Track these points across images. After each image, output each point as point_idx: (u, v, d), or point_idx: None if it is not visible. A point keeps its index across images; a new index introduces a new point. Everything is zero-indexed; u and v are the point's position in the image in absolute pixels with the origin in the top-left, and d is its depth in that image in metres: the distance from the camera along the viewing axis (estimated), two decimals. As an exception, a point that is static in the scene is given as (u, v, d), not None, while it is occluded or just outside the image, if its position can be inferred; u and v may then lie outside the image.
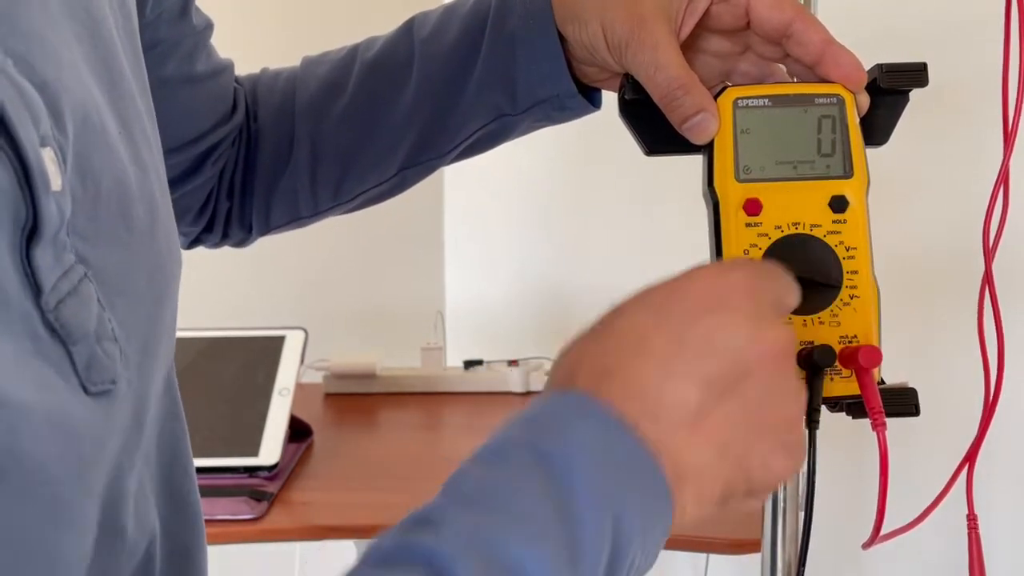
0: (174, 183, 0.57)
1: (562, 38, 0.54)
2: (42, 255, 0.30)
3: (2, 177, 0.29)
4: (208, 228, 0.66)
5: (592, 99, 0.57)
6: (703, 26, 0.50)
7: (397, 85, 0.59)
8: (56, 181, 0.31)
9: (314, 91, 0.62)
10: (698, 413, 0.36)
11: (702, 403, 0.36)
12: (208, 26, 0.60)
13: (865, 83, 0.47)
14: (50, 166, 0.30)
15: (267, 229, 0.66)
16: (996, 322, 0.50)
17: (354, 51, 0.62)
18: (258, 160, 0.64)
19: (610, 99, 0.54)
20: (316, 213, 0.65)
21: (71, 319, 0.32)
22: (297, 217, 0.65)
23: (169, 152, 0.49)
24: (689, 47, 0.49)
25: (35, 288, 0.30)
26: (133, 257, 0.36)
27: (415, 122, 0.59)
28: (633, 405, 0.36)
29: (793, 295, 0.41)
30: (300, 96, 0.62)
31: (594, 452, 0.34)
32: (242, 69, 0.66)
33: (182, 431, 0.44)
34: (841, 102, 0.46)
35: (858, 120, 0.46)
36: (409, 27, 0.60)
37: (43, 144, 0.30)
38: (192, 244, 0.66)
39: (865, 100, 0.47)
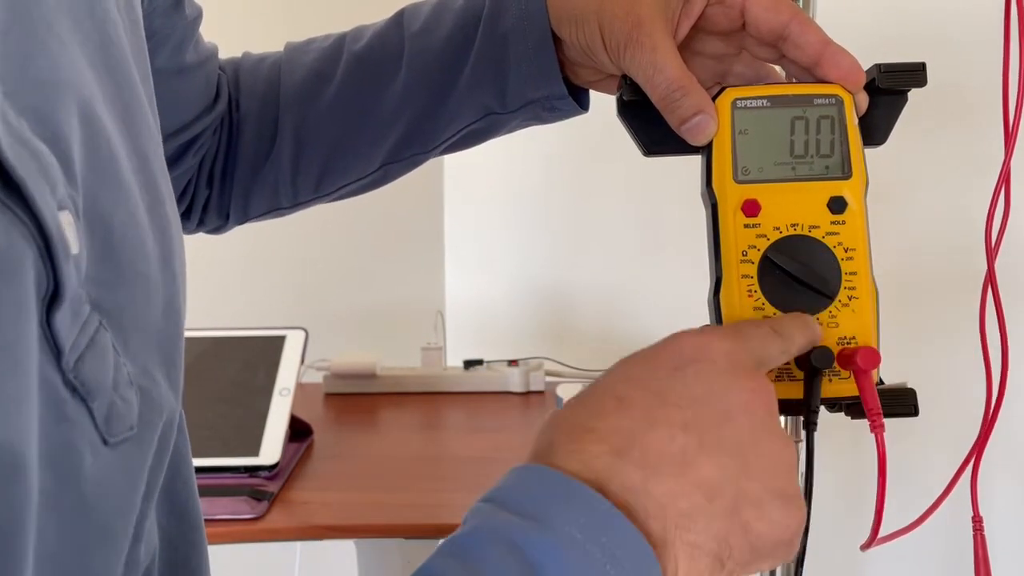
0: None
1: (556, 39, 0.53)
2: (61, 317, 0.29)
3: (25, 251, 0.27)
4: (184, 216, 0.64)
5: (581, 101, 0.57)
6: (698, 27, 0.50)
7: (385, 79, 0.58)
8: (75, 244, 0.29)
9: (299, 81, 0.61)
10: (682, 458, 0.36)
11: (685, 448, 0.36)
12: (199, 15, 0.59)
13: (864, 84, 0.46)
14: (68, 230, 0.29)
15: (245, 218, 0.65)
16: (999, 322, 0.50)
17: (341, 41, 0.61)
18: (239, 149, 0.63)
19: (608, 99, 0.53)
20: (296, 204, 0.64)
21: (90, 375, 0.30)
22: (276, 207, 0.64)
23: None
24: (684, 48, 0.49)
25: (56, 351, 0.29)
26: (148, 291, 0.35)
27: (402, 117, 0.58)
28: (613, 457, 0.35)
29: (776, 348, 0.41)
30: (285, 85, 0.61)
31: (566, 539, 0.33)
32: (226, 52, 0.65)
33: (184, 441, 0.43)
34: (840, 102, 0.46)
35: (857, 121, 0.46)
36: (399, 20, 0.59)
37: (60, 207, 0.29)
38: None
39: (864, 100, 0.47)
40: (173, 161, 0.60)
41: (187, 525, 0.43)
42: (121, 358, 0.33)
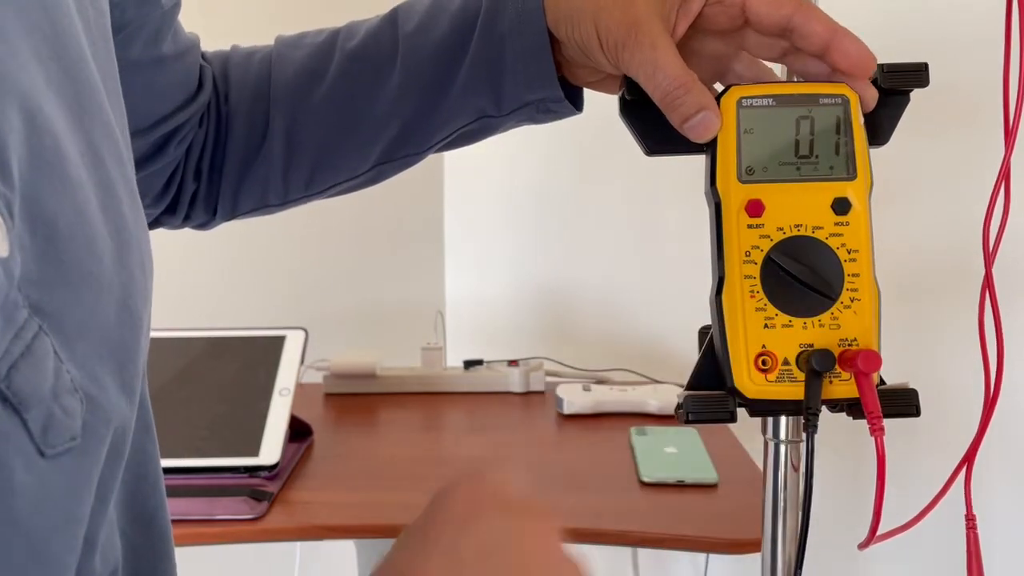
0: (135, 166, 0.53)
1: (554, 40, 0.53)
2: None
3: None
4: (170, 210, 0.63)
5: (576, 102, 0.56)
6: (696, 27, 0.49)
7: (379, 79, 0.57)
8: (3, 247, 0.27)
9: (291, 77, 0.60)
10: None
11: None
12: (176, 4, 0.57)
13: (874, 69, 0.46)
14: None
15: (233, 214, 0.64)
16: (996, 323, 0.50)
17: (334, 37, 0.60)
18: (229, 144, 0.62)
19: (609, 99, 0.54)
20: (285, 202, 0.63)
21: (24, 384, 0.29)
22: (265, 205, 0.63)
23: (131, 136, 0.45)
24: (682, 48, 0.49)
25: None
26: (99, 291, 0.33)
27: (395, 118, 0.57)
28: None
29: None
30: (276, 81, 0.60)
31: None
32: (214, 45, 0.64)
33: (152, 445, 0.41)
34: (846, 102, 0.46)
35: (863, 121, 0.46)
36: (393, 18, 0.58)
37: None
38: (151, 226, 0.63)
39: (873, 93, 0.47)
40: (154, 153, 0.59)
41: (155, 533, 0.41)
42: (64, 364, 0.31)
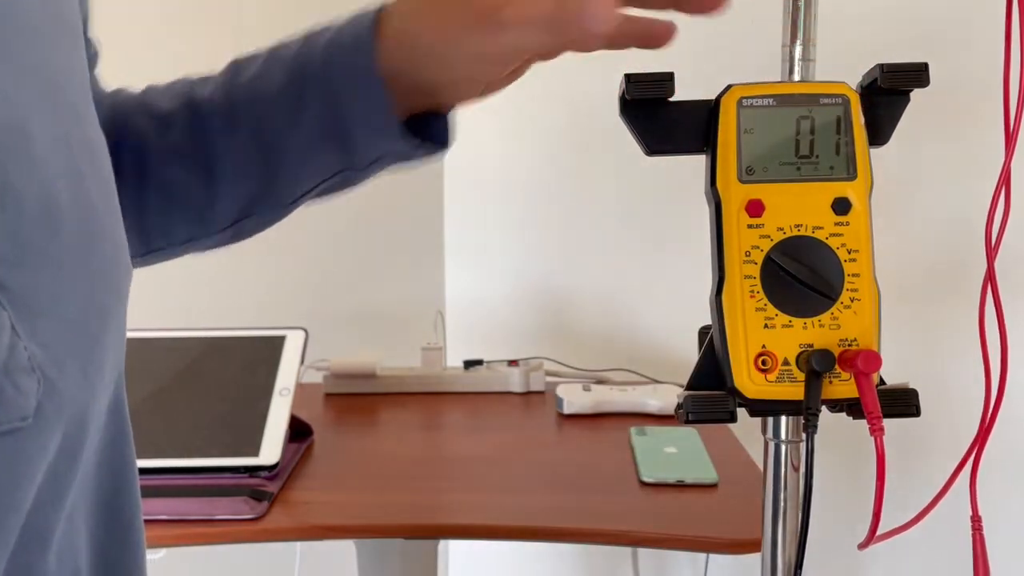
0: None
1: (406, 81, 0.49)
2: None
3: None
4: None
5: (442, 137, 0.53)
6: None
7: (219, 134, 0.54)
8: None
9: (144, 126, 0.57)
10: None
11: None
12: (96, 53, 0.55)
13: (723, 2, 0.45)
14: None
15: None
16: (999, 322, 0.50)
17: (187, 90, 0.57)
18: None
19: (607, 97, 0.53)
20: (148, 252, 0.59)
21: None
22: (135, 255, 0.59)
23: None
24: None
25: None
26: (65, 274, 0.33)
27: (242, 174, 0.54)
28: None
29: None
30: (131, 128, 0.57)
31: None
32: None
33: (130, 453, 0.41)
34: (847, 102, 0.46)
35: (863, 121, 0.46)
36: (232, 71, 0.55)
37: None
38: None
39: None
40: None
41: (130, 541, 0.41)
42: (22, 341, 0.30)
